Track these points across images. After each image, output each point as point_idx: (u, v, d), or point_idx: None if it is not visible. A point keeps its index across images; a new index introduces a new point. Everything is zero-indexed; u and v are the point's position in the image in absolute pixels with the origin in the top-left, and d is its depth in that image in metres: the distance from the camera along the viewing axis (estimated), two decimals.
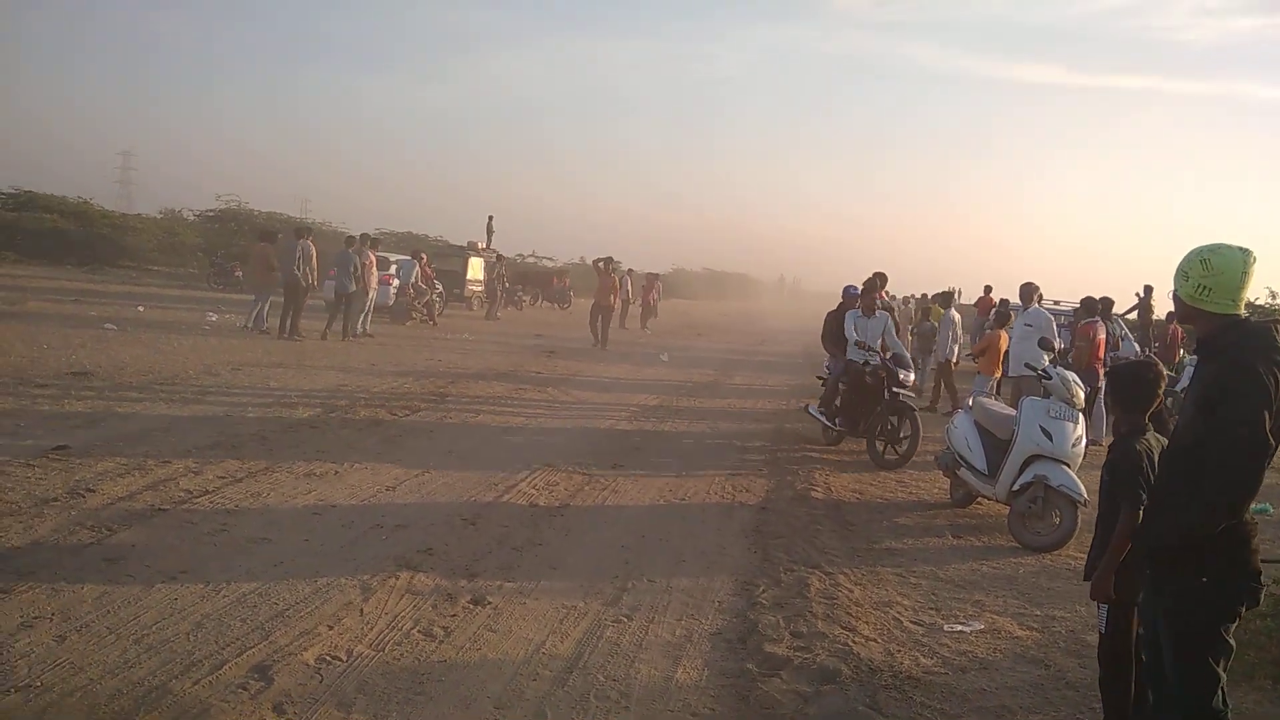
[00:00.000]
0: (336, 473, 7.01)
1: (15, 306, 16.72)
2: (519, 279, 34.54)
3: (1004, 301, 16.51)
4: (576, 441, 9.21)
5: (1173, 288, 3.05)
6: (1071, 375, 7.22)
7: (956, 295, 25.70)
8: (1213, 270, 2.84)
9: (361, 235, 18.18)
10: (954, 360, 14.05)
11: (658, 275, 32.90)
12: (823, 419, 10.22)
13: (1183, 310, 2.98)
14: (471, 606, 4.64)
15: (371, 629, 4.25)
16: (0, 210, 30.06)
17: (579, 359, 17.26)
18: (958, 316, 14.74)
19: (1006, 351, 11.30)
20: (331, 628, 4.21)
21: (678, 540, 6.15)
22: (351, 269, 16.82)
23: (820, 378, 11.01)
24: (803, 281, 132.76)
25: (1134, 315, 19.80)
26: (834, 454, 9.84)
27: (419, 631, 4.27)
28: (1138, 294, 19.82)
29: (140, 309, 18.54)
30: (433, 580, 4.93)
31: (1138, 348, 18.51)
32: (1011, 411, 7.72)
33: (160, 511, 5.65)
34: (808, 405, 10.96)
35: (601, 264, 20.65)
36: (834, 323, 10.58)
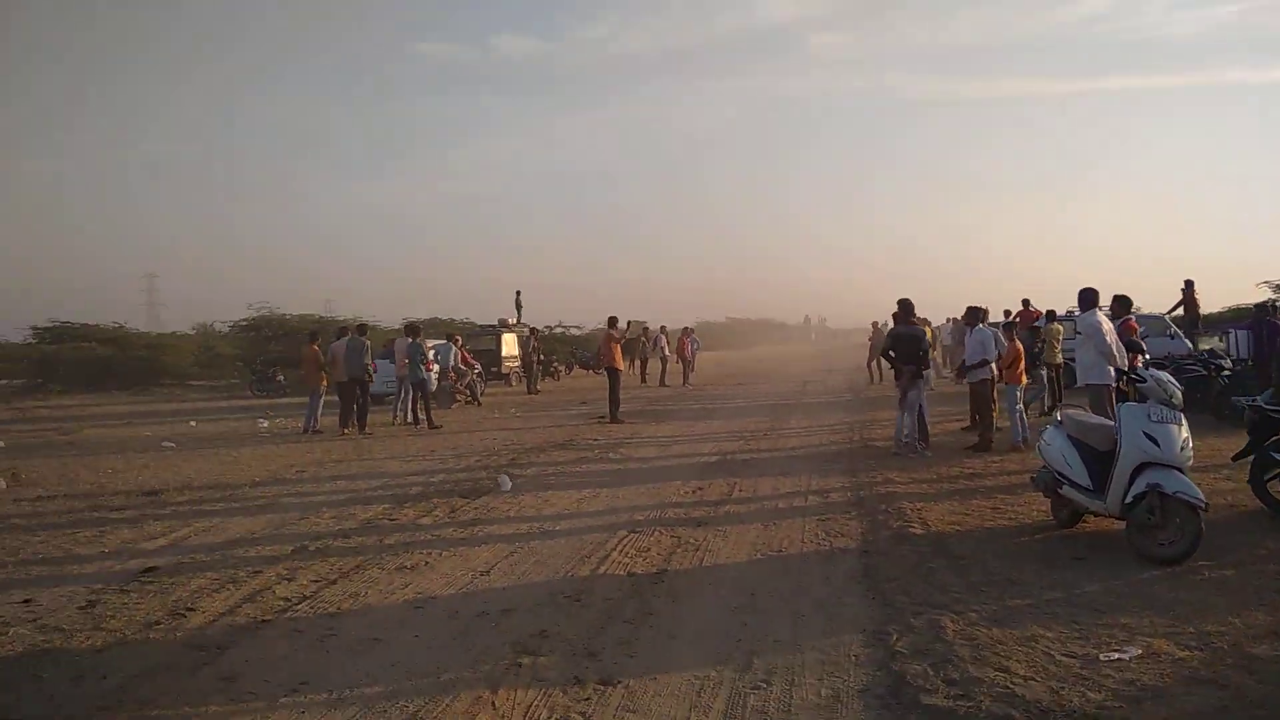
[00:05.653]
0: (427, 563, 6.88)
1: (71, 435, 16.92)
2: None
3: (1050, 313, 16.45)
4: (655, 502, 9.01)
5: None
6: (1165, 375, 6.95)
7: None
8: None
9: (412, 324, 18.36)
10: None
11: (692, 329, 32.85)
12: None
13: None
14: (602, 688, 4.44)
15: None
16: (39, 344, 30.71)
17: (630, 421, 17.09)
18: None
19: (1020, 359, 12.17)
20: None
21: (789, 595, 5.92)
22: (420, 358, 16.95)
23: None
24: (827, 320, 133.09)
25: (1180, 311, 19.93)
26: (917, 485, 9.57)
27: None
28: (1182, 289, 20.08)
29: (193, 424, 18.71)
30: (555, 664, 4.74)
31: (1190, 343, 18.42)
32: (1103, 420, 7.46)
33: (264, 623, 5.53)
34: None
35: (613, 327, 18.62)
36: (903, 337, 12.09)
